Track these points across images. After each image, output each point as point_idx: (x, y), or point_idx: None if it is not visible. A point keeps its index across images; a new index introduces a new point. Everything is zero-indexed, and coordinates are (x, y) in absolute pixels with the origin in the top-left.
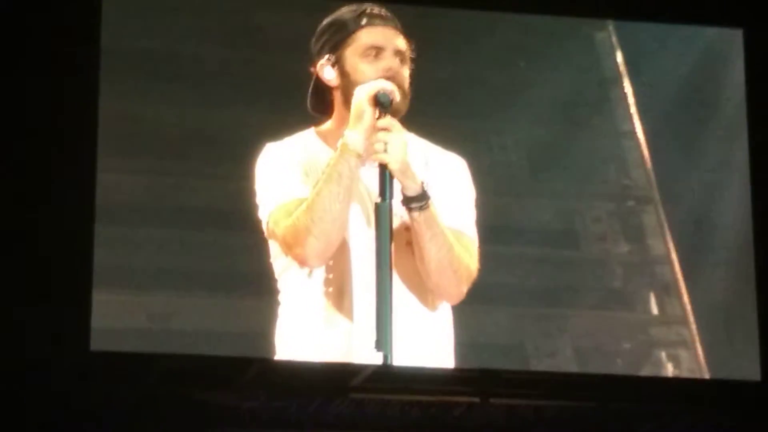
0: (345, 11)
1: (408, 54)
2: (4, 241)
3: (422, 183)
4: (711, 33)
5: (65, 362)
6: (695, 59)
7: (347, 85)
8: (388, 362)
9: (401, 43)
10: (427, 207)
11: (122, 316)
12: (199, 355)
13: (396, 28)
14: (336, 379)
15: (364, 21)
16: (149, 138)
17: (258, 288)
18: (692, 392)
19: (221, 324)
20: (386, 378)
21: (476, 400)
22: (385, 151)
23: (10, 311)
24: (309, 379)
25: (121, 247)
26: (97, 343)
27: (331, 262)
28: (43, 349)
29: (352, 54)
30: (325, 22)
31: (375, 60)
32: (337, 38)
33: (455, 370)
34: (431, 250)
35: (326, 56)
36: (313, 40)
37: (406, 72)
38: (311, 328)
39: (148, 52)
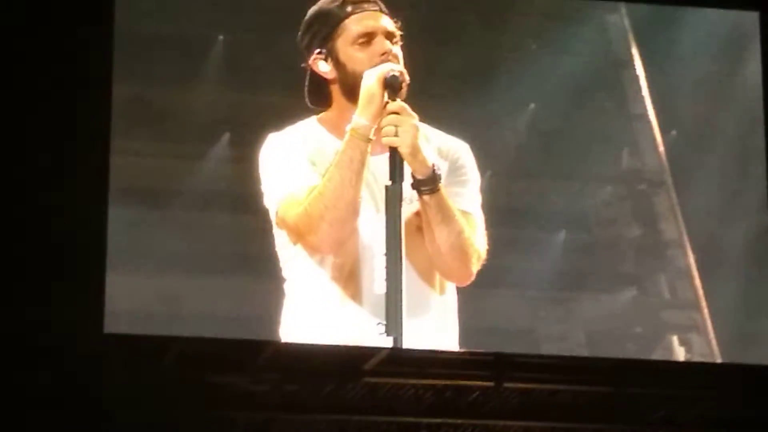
0: (326, 2)
1: (397, 33)
2: (18, 225)
3: (432, 166)
4: (729, 15)
5: (79, 345)
6: (712, 42)
7: (344, 75)
8: (398, 346)
9: (389, 24)
10: (438, 190)
11: (136, 298)
12: (212, 338)
13: (381, 9)
14: (349, 362)
15: (349, 9)
16: (162, 121)
17: (271, 270)
18: (708, 376)
19: (234, 307)
20: (400, 362)
21: (490, 384)
22: (396, 134)
23: (24, 294)
24: (322, 362)
25: (135, 230)
26: (110, 326)
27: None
28: (56, 331)
29: (343, 44)
30: (309, 15)
31: (368, 46)
32: (325, 31)
33: (469, 353)
34: (442, 233)
35: (317, 50)
36: (300, 35)
37: (399, 52)
38: (320, 314)
39: (162, 35)
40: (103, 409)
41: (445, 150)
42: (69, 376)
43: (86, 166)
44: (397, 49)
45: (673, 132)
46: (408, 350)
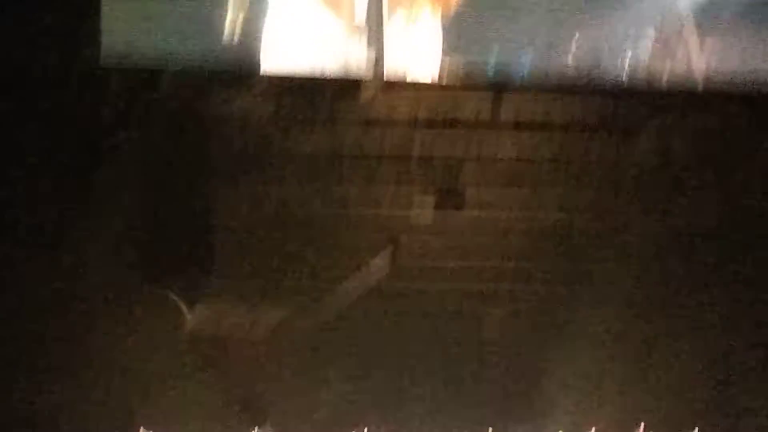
0: None
1: None
2: None
3: None
4: None
5: (74, 77)
6: None
7: None
8: (381, 71)
9: None
10: None
11: (132, 29)
12: (206, 68)
13: None
14: (341, 91)
15: None
16: None
17: None
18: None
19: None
20: (393, 89)
21: (488, 101)
22: None
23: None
24: (315, 91)
25: None
26: (106, 59)
27: None
28: (51, 64)
29: None
30: None
31: None
32: None
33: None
34: None
35: None
36: None
37: None
38: (303, 33)
39: None
40: (97, 144)
41: None
42: (65, 111)
43: None
44: None
45: None
46: (403, 81)
